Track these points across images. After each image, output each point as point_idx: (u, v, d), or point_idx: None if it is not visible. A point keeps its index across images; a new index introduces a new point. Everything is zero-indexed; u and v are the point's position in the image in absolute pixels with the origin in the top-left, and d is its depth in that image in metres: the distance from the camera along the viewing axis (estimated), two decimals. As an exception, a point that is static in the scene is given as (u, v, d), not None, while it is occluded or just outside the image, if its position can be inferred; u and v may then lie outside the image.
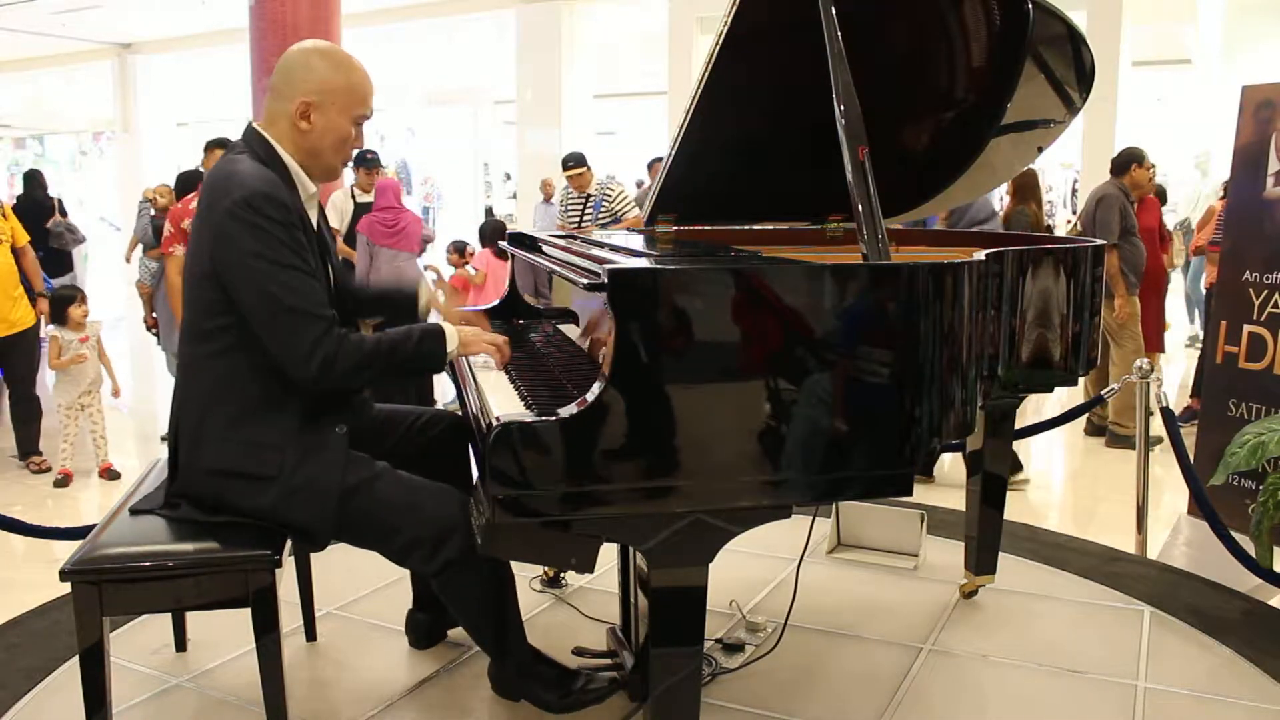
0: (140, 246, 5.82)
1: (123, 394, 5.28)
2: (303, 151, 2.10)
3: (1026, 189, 6.16)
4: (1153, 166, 5.76)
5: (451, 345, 2.10)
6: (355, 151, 2.20)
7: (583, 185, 6.81)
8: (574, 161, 6.82)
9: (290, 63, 2.08)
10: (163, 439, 5.39)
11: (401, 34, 13.96)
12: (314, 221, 2.16)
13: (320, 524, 2.05)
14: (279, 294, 1.94)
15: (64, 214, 7.67)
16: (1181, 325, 8.84)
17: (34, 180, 8.11)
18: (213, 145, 4.76)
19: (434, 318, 2.49)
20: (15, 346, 4.86)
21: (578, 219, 6.61)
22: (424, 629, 2.73)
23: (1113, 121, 9.06)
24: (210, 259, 1.99)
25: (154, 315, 5.67)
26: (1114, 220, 5.34)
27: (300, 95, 2.06)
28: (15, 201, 7.92)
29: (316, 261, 2.07)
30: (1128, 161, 5.55)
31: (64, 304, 4.71)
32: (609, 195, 6.74)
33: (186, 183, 5.41)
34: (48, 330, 4.76)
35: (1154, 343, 6.13)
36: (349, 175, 6.50)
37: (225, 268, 1.97)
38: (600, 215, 6.58)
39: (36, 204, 7.57)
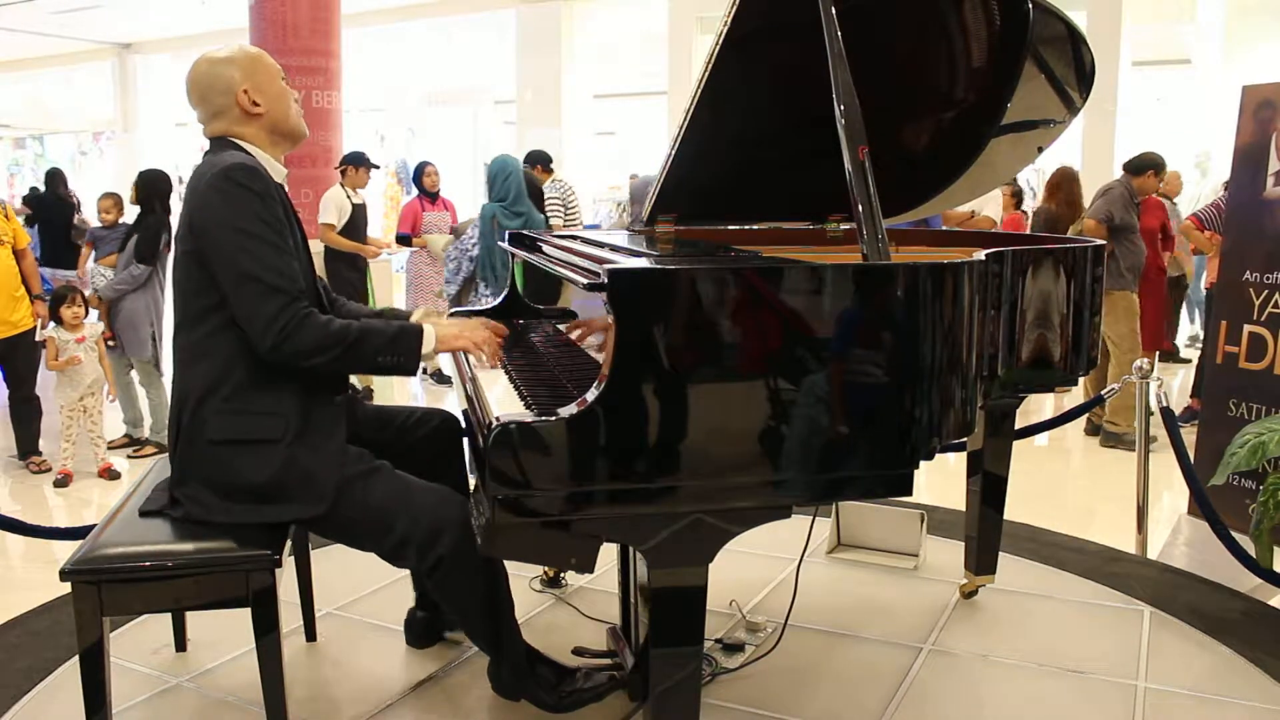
0: (94, 254, 5.66)
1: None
2: (268, 131, 2.19)
3: (1052, 187, 6.13)
4: (1164, 181, 5.74)
5: (428, 346, 2.09)
6: (301, 108, 2.26)
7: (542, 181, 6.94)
8: (529, 162, 6.90)
9: (203, 81, 2.16)
10: (149, 439, 5.38)
11: (401, 34, 13.96)
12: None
13: (323, 486, 2.05)
14: (245, 263, 1.98)
15: (79, 211, 7.75)
16: (1182, 325, 8.83)
17: (56, 178, 8.19)
18: None
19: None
20: (16, 347, 4.87)
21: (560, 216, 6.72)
22: (421, 628, 2.73)
23: (1113, 121, 9.06)
24: (193, 234, 2.04)
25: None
26: (1113, 210, 5.33)
27: (234, 91, 2.14)
28: (43, 199, 8.02)
29: (297, 238, 2.12)
30: (1145, 165, 5.52)
31: (58, 303, 4.72)
32: (569, 197, 6.90)
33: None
34: (45, 331, 4.77)
35: (1156, 342, 6.12)
36: (336, 174, 6.50)
37: (203, 237, 2.03)
38: (551, 215, 6.69)
39: (62, 201, 7.63)
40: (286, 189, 2.23)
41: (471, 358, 2.29)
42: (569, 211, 6.81)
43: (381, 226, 13.52)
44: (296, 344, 1.98)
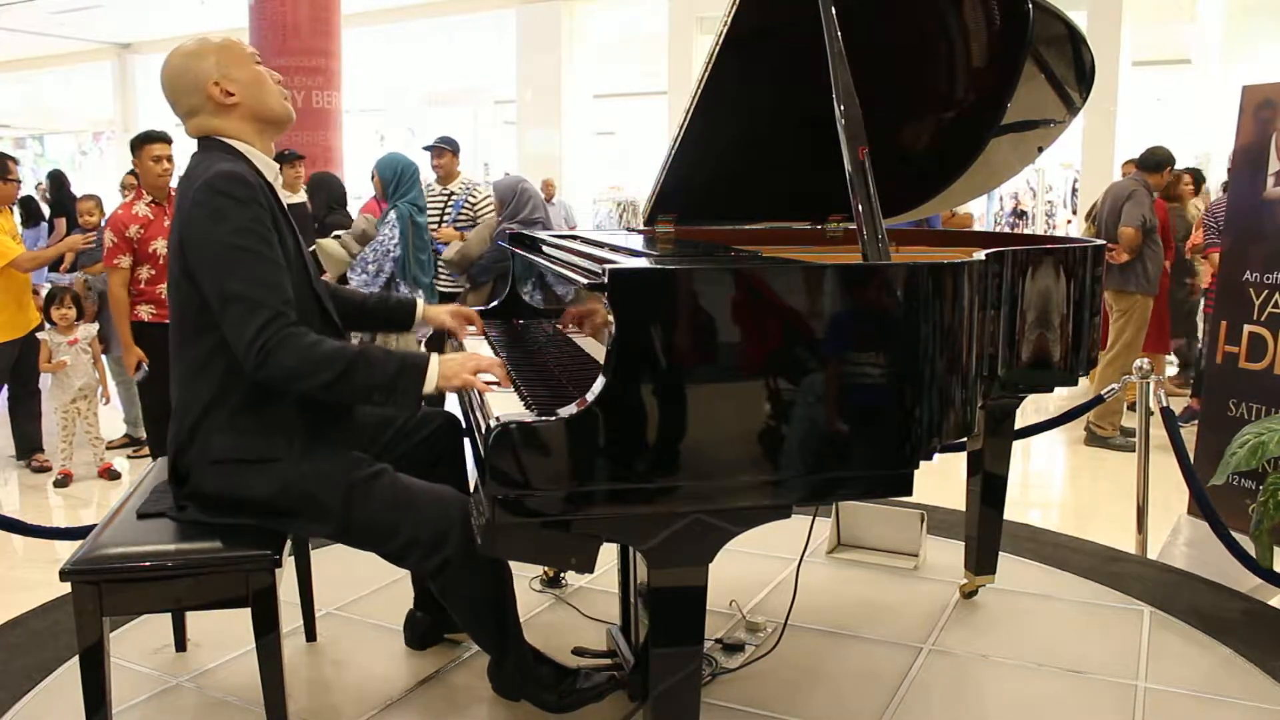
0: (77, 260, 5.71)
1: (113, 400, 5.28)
2: (248, 118, 2.11)
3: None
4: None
5: (429, 386, 1.97)
6: (282, 85, 2.19)
7: (449, 173, 6.07)
8: (443, 143, 6.12)
9: (174, 80, 2.13)
10: (134, 439, 5.38)
11: (401, 34, 13.98)
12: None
13: (329, 501, 2.04)
14: (229, 281, 1.91)
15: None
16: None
17: (59, 180, 8.24)
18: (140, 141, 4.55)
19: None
20: (29, 343, 4.90)
21: (438, 217, 5.84)
22: (420, 630, 2.73)
23: (1113, 121, 9.07)
24: (183, 252, 1.99)
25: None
26: (1145, 213, 5.28)
27: (203, 85, 2.08)
28: (51, 201, 8.07)
29: (288, 242, 2.04)
30: (1163, 162, 5.46)
31: (49, 305, 4.73)
32: (473, 196, 6.02)
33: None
34: (41, 332, 4.78)
35: (1163, 344, 6.10)
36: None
37: (190, 255, 1.97)
38: (460, 216, 6.12)
39: (70, 201, 7.68)
40: (280, 184, 2.18)
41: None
42: (476, 214, 5.90)
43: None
44: (275, 364, 1.89)
